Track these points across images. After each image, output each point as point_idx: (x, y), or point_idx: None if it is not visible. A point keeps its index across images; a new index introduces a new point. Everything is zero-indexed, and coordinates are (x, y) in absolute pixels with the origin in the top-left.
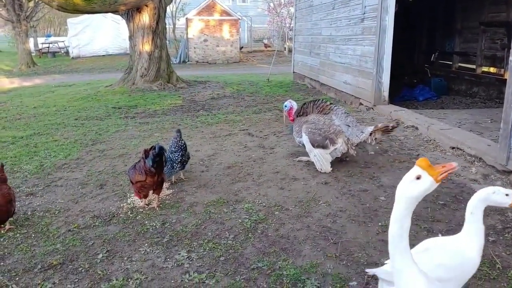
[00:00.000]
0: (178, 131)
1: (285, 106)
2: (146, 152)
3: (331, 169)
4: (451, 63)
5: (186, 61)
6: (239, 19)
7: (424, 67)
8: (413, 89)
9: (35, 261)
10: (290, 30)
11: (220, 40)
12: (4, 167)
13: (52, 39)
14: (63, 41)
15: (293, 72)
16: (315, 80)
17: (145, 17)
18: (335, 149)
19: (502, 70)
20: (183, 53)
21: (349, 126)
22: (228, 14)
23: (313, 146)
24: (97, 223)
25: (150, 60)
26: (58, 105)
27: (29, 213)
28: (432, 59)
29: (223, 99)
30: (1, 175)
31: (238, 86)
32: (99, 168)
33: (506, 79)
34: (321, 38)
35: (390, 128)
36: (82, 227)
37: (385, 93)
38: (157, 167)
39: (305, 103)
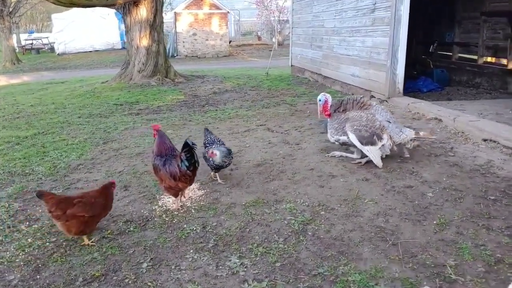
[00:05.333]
0: (207, 129)
1: (320, 100)
2: (180, 156)
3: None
4: (451, 53)
5: (175, 55)
6: (228, 12)
7: (421, 58)
8: (415, 80)
9: (75, 273)
10: (279, 23)
11: (209, 34)
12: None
13: (35, 35)
14: (47, 37)
15: (291, 66)
16: (317, 73)
17: (143, 11)
18: (383, 145)
19: (505, 60)
20: (171, 47)
21: (389, 122)
22: (217, 8)
23: (362, 143)
24: (131, 228)
25: (147, 54)
26: (56, 102)
27: None
28: (430, 50)
29: (226, 94)
30: None
31: (238, 80)
32: (118, 168)
33: (510, 69)
34: (324, 30)
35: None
36: (117, 233)
37: (400, 85)
38: (194, 169)
39: (343, 100)
